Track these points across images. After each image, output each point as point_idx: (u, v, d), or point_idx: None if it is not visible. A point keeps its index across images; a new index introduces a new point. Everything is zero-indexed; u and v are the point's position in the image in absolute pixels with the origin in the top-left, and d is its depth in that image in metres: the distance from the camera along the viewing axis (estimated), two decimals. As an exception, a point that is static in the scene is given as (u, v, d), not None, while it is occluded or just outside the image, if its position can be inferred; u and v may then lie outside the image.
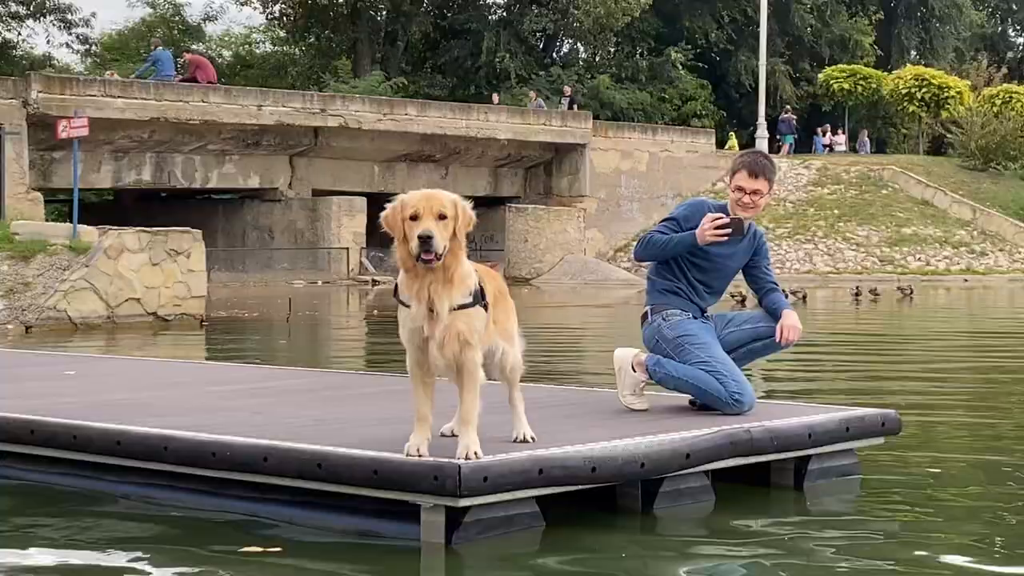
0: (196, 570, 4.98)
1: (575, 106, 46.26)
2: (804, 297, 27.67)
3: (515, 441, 5.63)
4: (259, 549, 5.19)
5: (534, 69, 57.31)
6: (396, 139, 40.20)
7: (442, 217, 5.13)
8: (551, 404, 6.95)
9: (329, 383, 8.47)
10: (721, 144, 50.96)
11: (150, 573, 4.95)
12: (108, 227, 19.43)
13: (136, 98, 33.98)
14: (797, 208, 45.43)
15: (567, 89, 48.60)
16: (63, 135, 19.85)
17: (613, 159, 44.88)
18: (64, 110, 30.83)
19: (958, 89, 52.84)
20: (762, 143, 50.14)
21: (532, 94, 47.97)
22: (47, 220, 29.11)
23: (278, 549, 5.19)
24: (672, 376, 6.71)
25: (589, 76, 57.58)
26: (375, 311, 25.25)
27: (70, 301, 18.36)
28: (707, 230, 6.67)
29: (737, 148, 48.56)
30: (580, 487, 5.53)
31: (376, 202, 40.20)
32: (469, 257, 5.42)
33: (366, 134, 39.35)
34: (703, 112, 58.67)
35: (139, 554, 5.21)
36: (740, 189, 6.86)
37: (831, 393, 10.82)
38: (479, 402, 5.33)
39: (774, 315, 6.93)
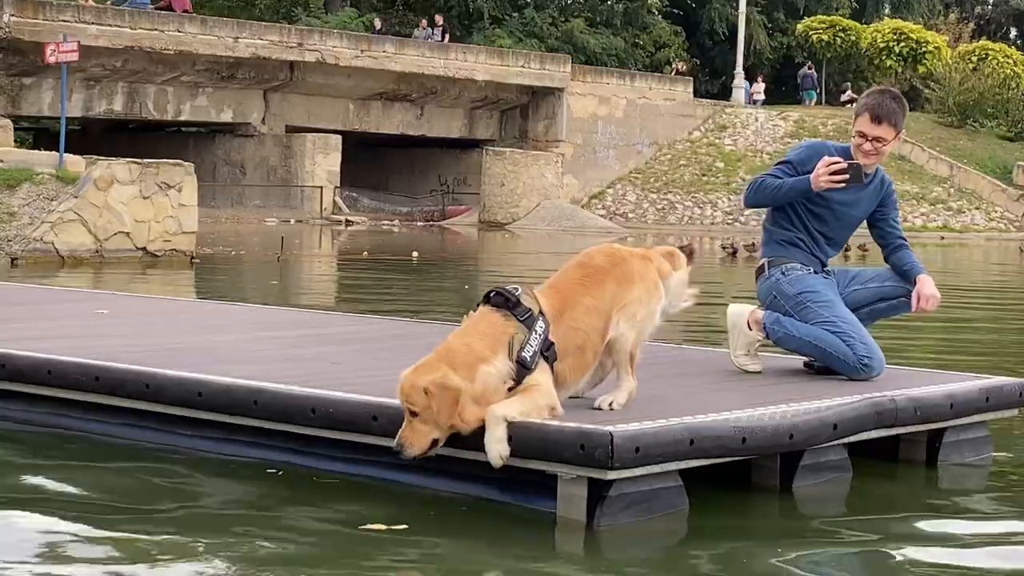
0: (312, 551, 4.42)
1: (446, 37, 44.62)
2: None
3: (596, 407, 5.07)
4: (382, 527, 4.62)
5: (508, 10, 56.41)
6: (373, 77, 39.40)
7: (414, 414, 4.61)
8: (648, 363, 6.41)
9: (384, 330, 7.92)
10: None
11: (256, 552, 4.40)
12: (96, 157, 18.68)
13: (110, 25, 33.06)
14: (774, 159, 44.77)
15: (439, 18, 46.87)
16: (51, 60, 19.07)
17: (590, 104, 44.26)
18: (36, 35, 29.94)
19: (936, 44, 52.47)
20: (739, 93, 49.70)
21: (423, 22, 46.24)
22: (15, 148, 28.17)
23: (404, 527, 4.62)
24: (793, 336, 6.18)
25: (563, 19, 56.77)
26: (365, 252, 24.61)
27: (58, 233, 17.65)
28: (822, 176, 6.10)
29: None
30: (726, 460, 5.02)
31: (351, 140, 39.77)
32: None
33: (342, 70, 38.53)
34: (677, 59, 58.03)
35: (239, 527, 4.65)
36: (861, 135, 6.28)
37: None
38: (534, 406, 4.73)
39: (902, 275, 6.40)
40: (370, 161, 42.77)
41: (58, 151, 18.90)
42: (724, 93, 53.27)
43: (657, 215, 42.91)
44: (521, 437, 4.72)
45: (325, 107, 39.65)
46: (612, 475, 4.61)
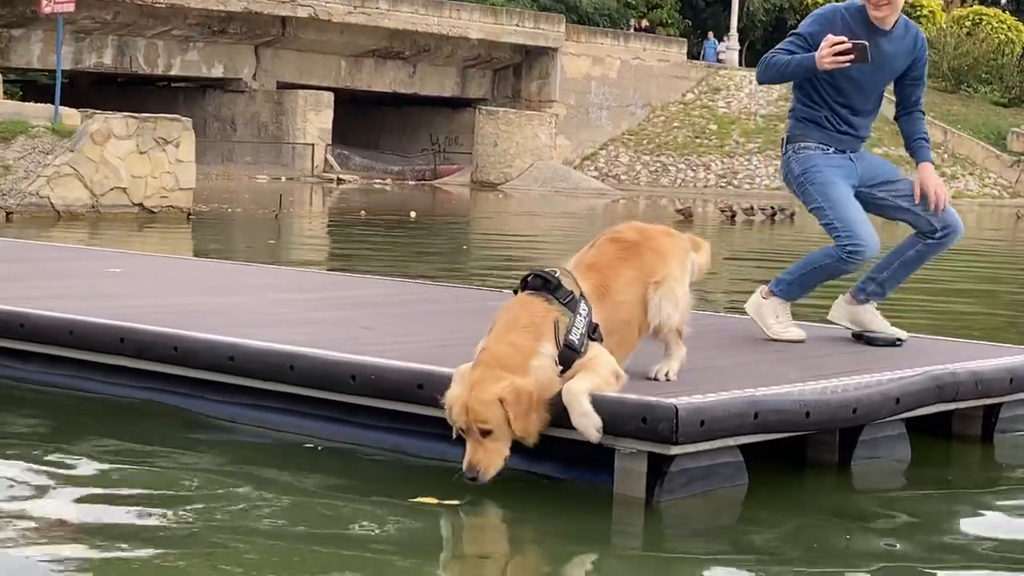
0: (362, 525, 4.21)
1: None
2: (792, 215, 27.00)
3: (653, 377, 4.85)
4: (434, 500, 4.40)
5: (500, -33, 55.85)
6: (365, 33, 38.99)
7: (486, 433, 4.26)
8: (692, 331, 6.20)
9: (405, 294, 7.69)
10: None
11: (302, 518, 4.18)
12: (92, 110, 18.35)
13: (102, -23, 32.62)
14: (767, 123, 44.69)
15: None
16: (47, 10, 18.68)
17: (584, 64, 43.91)
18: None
19: (930, 8, 52.18)
20: (732, 55, 49.37)
21: None
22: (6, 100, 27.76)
23: (456, 501, 4.40)
24: (791, 280, 6.10)
25: (556, -22, 56.24)
26: (363, 212, 24.29)
27: (53, 187, 17.33)
28: (825, 56, 5.79)
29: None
30: (787, 434, 4.81)
31: (342, 97, 39.38)
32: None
33: (335, 26, 38.12)
34: (669, 20, 57.60)
35: (283, 498, 4.43)
36: None
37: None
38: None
39: (908, 148, 6.20)
40: (361, 119, 42.38)
41: (51, 103, 18.55)
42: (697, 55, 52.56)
43: (650, 177, 42.65)
44: (577, 409, 4.51)
45: (317, 64, 39.25)
46: (675, 450, 4.40)
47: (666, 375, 4.84)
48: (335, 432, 5.15)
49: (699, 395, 4.54)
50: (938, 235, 6.07)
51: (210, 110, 39.34)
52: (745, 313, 6.34)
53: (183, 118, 18.61)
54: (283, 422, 5.29)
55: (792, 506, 4.72)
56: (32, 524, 4.00)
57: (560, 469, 4.71)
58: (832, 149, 6.08)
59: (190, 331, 5.53)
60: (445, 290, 8.31)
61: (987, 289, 14.12)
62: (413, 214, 23.10)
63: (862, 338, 6.09)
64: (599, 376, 4.44)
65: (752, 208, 27.51)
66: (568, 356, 4.44)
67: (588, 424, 4.34)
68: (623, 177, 42.63)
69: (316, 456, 4.98)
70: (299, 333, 5.65)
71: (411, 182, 39.39)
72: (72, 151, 17.45)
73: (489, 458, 4.26)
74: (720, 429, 4.49)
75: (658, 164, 43.21)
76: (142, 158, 18.04)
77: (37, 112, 18.29)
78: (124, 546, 3.88)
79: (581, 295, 4.54)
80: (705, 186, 41.68)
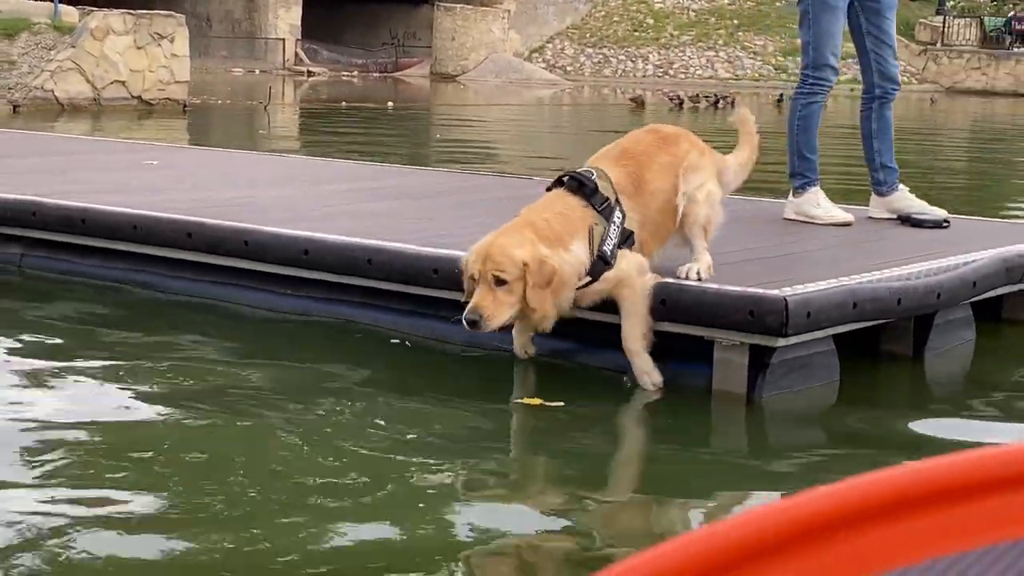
0: (463, 424, 3.73)
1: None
2: (732, 101, 26.45)
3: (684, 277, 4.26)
4: (537, 401, 3.91)
5: None
6: (331, -66, 37.68)
7: (501, 283, 3.75)
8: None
9: (440, 184, 7.16)
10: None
11: (394, 417, 3.71)
12: (90, 8, 17.42)
13: None
14: (699, 17, 43.91)
15: None
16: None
17: (531, -37, 42.75)
18: None
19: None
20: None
21: None
22: None
23: (560, 403, 3.90)
24: (798, 157, 5.64)
25: None
26: (344, 102, 23.49)
27: (57, 82, 16.47)
28: None
29: None
30: (879, 322, 4.37)
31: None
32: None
33: (303, -73, 36.76)
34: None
35: (379, 397, 3.95)
36: None
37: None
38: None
39: None
40: (327, 16, 41.14)
41: (51, 1, 17.61)
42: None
43: (593, 68, 41.85)
44: (677, 302, 4.03)
45: (286, -37, 37.90)
46: (782, 342, 3.94)
47: (697, 273, 4.16)
48: (415, 325, 4.64)
49: (800, 286, 4.08)
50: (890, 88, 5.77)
51: (187, 7, 37.88)
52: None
53: (177, 14, 17.71)
54: (358, 315, 4.78)
55: (873, 397, 4.31)
56: (128, 404, 3.51)
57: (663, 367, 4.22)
58: None
59: (261, 225, 4.99)
60: (480, 178, 7.76)
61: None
62: (390, 104, 22.34)
63: (909, 220, 5.64)
64: (642, 317, 3.96)
65: (697, 96, 26.97)
66: (599, 268, 3.93)
67: (647, 380, 3.97)
68: (568, 68, 41.78)
69: (406, 352, 4.47)
70: (362, 225, 5.12)
71: (375, 74, 38.38)
72: (73, 47, 16.57)
73: (497, 307, 3.73)
74: (824, 320, 4.04)
75: (600, 56, 42.39)
76: (139, 53, 17.18)
77: (37, 9, 17.34)
78: (214, 440, 3.40)
79: (616, 200, 4.03)
80: (644, 76, 40.95)
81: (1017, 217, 8.93)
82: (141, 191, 5.99)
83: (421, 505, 3.02)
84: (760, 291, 3.94)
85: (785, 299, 3.88)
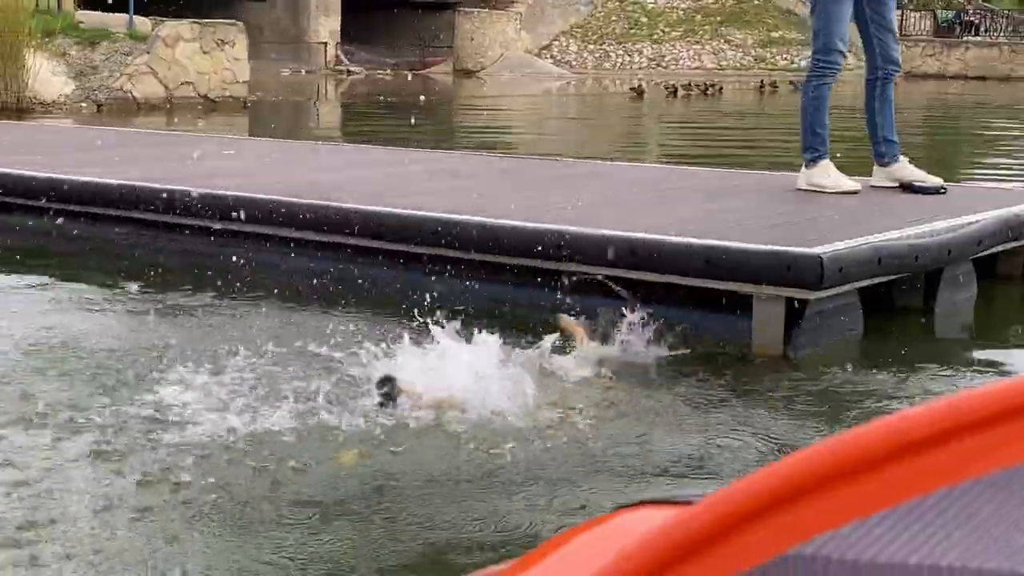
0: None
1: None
2: (720, 89, 26.23)
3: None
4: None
5: None
6: (363, -49, 37.32)
7: None
8: (745, 190, 5.61)
9: (494, 164, 7.05)
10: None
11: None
12: (160, 18, 17.29)
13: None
14: (687, 15, 43.55)
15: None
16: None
17: (539, -28, 42.36)
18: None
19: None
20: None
21: None
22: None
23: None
24: (811, 133, 5.50)
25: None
26: (382, 96, 23.29)
27: (134, 84, 16.37)
28: None
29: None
30: (898, 276, 4.29)
31: (347, 3, 37.88)
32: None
33: (339, -54, 36.45)
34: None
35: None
36: None
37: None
38: None
39: None
40: (362, 22, 40.89)
41: (125, 13, 17.45)
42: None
43: (595, 62, 41.57)
44: (717, 259, 3.96)
45: (324, -23, 37.59)
46: (817, 295, 3.87)
47: None
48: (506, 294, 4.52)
49: (829, 245, 4.01)
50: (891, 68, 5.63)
51: (242, 16, 37.71)
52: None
53: (238, 22, 17.59)
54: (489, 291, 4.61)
55: (911, 361, 4.21)
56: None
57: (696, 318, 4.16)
58: None
59: (382, 207, 4.83)
60: (522, 161, 7.65)
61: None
62: (423, 98, 22.18)
63: (910, 188, 5.55)
64: None
65: (689, 84, 26.76)
66: None
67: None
68: (573, 63, 41.51)
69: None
70: (471, 203, 4.94)
71: (405, 72, 38.17)
72: (148, 53, 16.46)
73: None
74: (853, 274, 3.98)
75: (601, 51, 42.10)
76: (205, 57, 17.06)
77: (116, 21, 17.20)
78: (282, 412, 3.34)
79: None
80: (639, 68, 40.68)
81: (975, 179, 8.82)
82: (237, 176, 5.90)
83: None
84: (797, 249, 3.87)
85: (820, 256, 3.81)
